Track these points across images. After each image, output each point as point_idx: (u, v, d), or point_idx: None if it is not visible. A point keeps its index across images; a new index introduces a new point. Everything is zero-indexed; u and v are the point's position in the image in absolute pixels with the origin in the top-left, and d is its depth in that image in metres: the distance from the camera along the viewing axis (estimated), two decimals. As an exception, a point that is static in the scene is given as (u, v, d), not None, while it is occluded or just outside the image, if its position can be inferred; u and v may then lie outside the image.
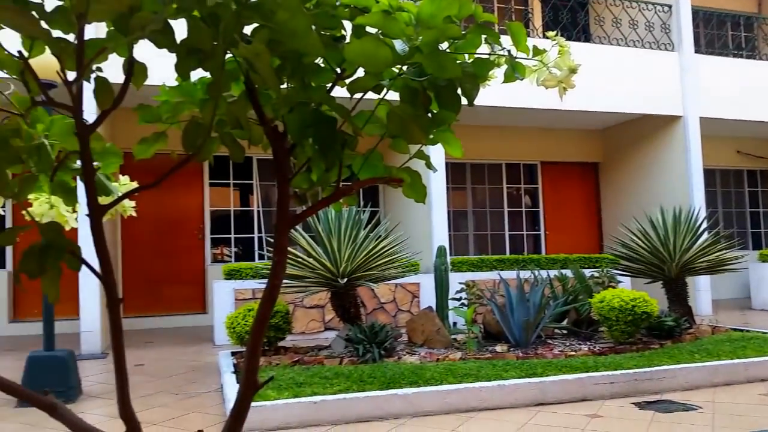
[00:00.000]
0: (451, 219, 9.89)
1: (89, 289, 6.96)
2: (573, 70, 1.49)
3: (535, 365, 4.89)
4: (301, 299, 7.64)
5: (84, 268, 1.20)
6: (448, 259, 7.76)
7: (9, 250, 9.15)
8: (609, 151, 12.06)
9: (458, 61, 1.26)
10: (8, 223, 8.38)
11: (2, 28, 1.10)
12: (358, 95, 1.31)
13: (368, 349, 5.29)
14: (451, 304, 7.12)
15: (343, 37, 1.31)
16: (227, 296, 7.70)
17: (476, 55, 1.30)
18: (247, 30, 1.17)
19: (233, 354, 5.99)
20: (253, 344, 1.28)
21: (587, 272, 7.16)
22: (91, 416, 4.37)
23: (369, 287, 6.66)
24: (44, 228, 1.09)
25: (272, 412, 4.00)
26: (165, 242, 9.89)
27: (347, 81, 1.30)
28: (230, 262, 10.05)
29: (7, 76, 1.22)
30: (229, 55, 1.22)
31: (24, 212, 1.37)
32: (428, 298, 8.10)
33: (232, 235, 10.32)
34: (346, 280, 5.73)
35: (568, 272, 7.15)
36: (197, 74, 1.30)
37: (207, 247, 10.12)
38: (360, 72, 1.28)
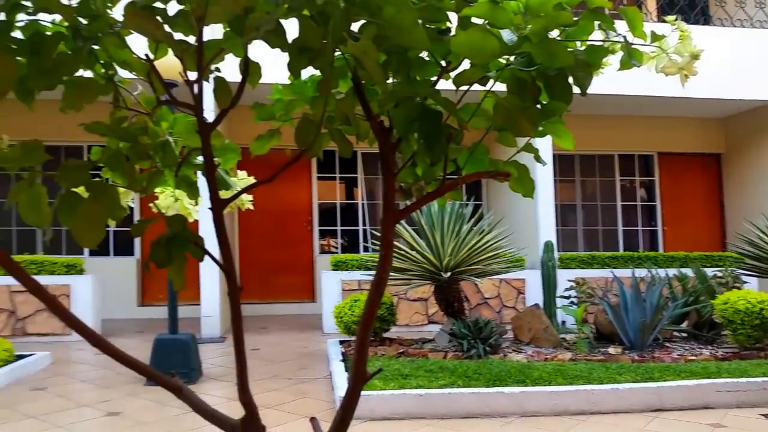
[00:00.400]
0: (558, 213, 9.56)
1: (209, 277, 7.41)
2: (695, 56, 1.38)
3: (651, 369, 4.63)
4: (404, 292, 7.70)
5: (205, 257, 1.27)
6: (556, 254, 7.52)
7: (137, 240, 9.91)
8: (732, 142, 11.16)
9: (570, 49, 1.21)
10: (136, 215, 9.07)
11: (131, 33, 1.19)
12: (463, 88, 1.29)
13: (473, 344, 5.24)
14: (559, 302, 6.91)
15: (449, 30, 1.29)
16: (335, 286, 7.91)
17: (589, 42, 1.25)
18: (354, 27, 1.19)
19: (341, 343, 6.15)
20: (362, 337, 1.31)
21: (709, 271, 6.68)
22: (211, 397, 4.65)
23: (472, 282, 6.61)
24: (171, 220, 1.17)
25: (379, 402, 4.08)
26: (277, 233, 10.32)
27: (452, 74, 1.29)
28: (336, 253, 10.33)
29: (135, 77, 1.32)
30: (337, 53, 1.24)
31: (151, 205, 1.48)
32: (534, 294, 7.90)
33: (339, 227, 10.59)
34: (449, 274, 5.71)
35: (688, 271, 6.70)
36: (307, 72, 1.34)
37: (315, 239, 10.46)
38: (465, 64, 1.27)
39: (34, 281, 1.14)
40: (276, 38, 1.18)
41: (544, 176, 8.39)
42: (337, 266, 8.08)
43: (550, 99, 1.26)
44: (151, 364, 5.07)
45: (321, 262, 10.02)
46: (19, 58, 1.06)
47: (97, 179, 1.23)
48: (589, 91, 1.23)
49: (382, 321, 5.91)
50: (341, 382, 4.51)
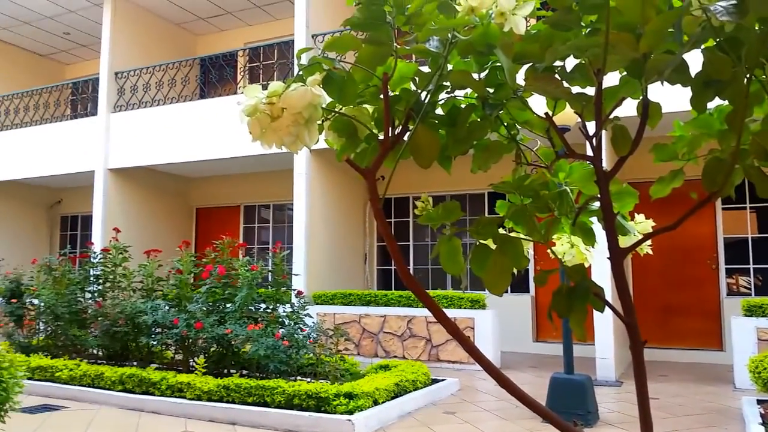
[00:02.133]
0: None
1: (603, 319, 7.19)
2: None
3: None
4: None
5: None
6: None
7: (531, 277, 10.32)
8: None
9: None
10: (530, 259, 9.43)
11: (531, 95, 1.27)
12: None
13: None
14: None
15: None
16: (748, 335, 6.83)
17: None
18: None
19: (759, 402, 5.26)
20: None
21: None
22: (607, 443, 4.48)
23: None
24: (571, 271, 1.19)
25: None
26: (674, 272, 9.49)
27: None
28: (749, 295, 8.92)
29: (533, 133, 1.39)
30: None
31: (549, 251, 1.53)
32: None
33: (751, 266, 9.15)
34: None
35: None
36: (711, 103, 1.22)
37: (721, 278, 9.25)
38: None
39: (449, 318, 1.28)
40: (678, 75, 1.12)
41: None
42: (751, 311, 6.97)
43: None
44: (547, 403, 5.17)
45: (729, 306, 8.80)
46: (440, 131, 1.24)
47: (502, 230, 1.33)
48: None
49: (818, 381, 4.85)
50: (765, 450, 3.84)
